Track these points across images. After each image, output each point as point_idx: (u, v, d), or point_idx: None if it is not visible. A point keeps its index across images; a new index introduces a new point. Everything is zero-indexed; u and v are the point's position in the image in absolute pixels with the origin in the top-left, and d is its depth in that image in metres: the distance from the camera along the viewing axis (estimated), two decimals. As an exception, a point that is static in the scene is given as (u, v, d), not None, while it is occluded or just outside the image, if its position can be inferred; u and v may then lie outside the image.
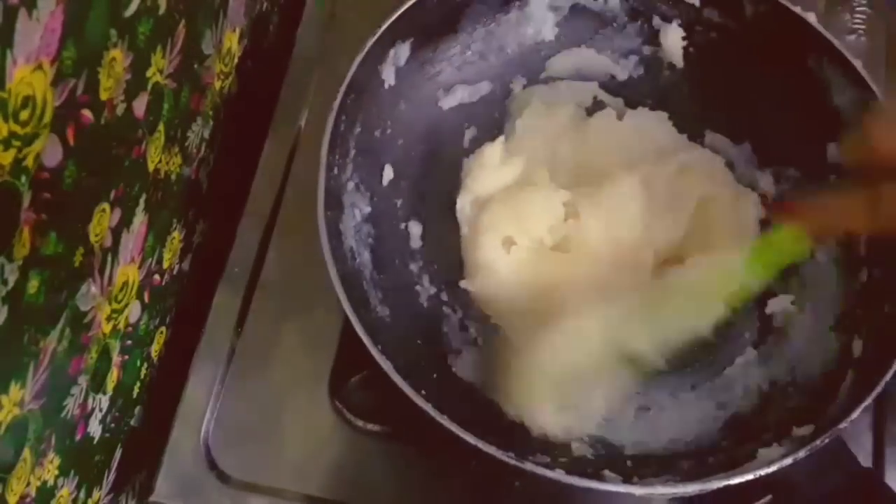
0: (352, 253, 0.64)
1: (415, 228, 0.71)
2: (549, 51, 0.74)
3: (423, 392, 0.56)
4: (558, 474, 0.55)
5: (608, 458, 0.61)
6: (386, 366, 0.56)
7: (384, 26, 0.65)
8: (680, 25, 0.71)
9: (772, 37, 0.67)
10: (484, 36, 0.72)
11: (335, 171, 0.63)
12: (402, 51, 0.68)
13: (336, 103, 0.62)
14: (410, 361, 0.61)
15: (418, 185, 0.71)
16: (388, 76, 0.68)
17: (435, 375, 0.64)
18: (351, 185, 0.66)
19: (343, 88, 0.63)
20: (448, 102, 0.73)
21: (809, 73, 0.65)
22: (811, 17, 0.65)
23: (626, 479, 0.57)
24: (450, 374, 0.65)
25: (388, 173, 0.70)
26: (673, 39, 0.72)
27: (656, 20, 0.72)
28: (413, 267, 0.70)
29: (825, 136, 0.66)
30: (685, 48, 0.72)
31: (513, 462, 0.54)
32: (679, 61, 0.73)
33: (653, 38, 0.73)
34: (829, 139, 0.66)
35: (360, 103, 0.65)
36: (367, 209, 0.68)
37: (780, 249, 0.57)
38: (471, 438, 0.55)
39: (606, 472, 0.58)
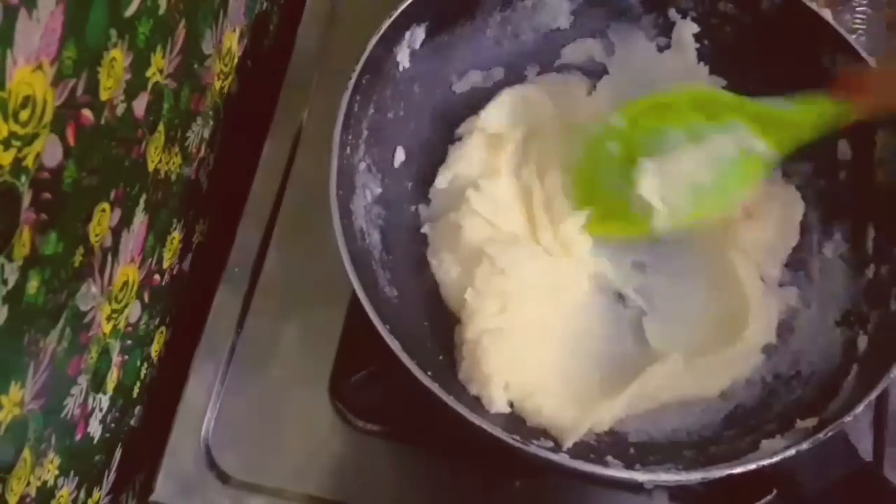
0: (362, 233, 0.64)
1: (425, 211, 0.71)
2: (563, 39, 0.74)
3: (429, 373, 0.56)
4: (562, 458, 0.56)
5: (612, 445, 0.62)
6: (394, 345, 0.56)
7: (400, 8, 0.65)
8: (695, 19, 0.71)
9: (786, 32, 0.67)
10: (499, 22, 0.72)
11: (347, 151, 0.63)
12: (418, 34, 0.68)
13: (351, 83, 0.62)
14: (417, 342, 0.61)
15: (430, 168, 0.71)
16: (403, 59, 0.68)
17: (441, 357, 0.64)
18: (363, 165, 0.66)
19: (358, 69, 0.63)
20: (461, 87, 0.73)
21: (822, 69, 0.65)
22: (826, 14, 0.65)
23: (629, 466, 0.57)
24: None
25: (400, 155, 0.70)
26: (687, 32, 0.72)
27: (672, 12, 0.72)
28: (422, 249, 0.69)
29: (837, 132, 0.66)
30: (699, 41, 0.72)
31: (517, 445, 0.54)
32: (692, 54, 0.73)
33: (667, 30, 0.73)
34: (841, 135, 0.66)
35: (374, 85, 0.65)
36: (379, 190, 0.68)
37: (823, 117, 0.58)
38: (476, 419, 0.55)
39: (609, 459, 0.58)
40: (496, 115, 0.71)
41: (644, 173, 0.62)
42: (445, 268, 0.67)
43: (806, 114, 0.60)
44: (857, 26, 0.78)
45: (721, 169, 0.62)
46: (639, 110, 0.66)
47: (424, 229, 0.69)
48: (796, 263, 0.68)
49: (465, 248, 0.66)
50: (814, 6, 0.66)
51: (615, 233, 0.66)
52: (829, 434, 0.55)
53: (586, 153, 0.67)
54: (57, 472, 0.55)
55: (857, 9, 0.79)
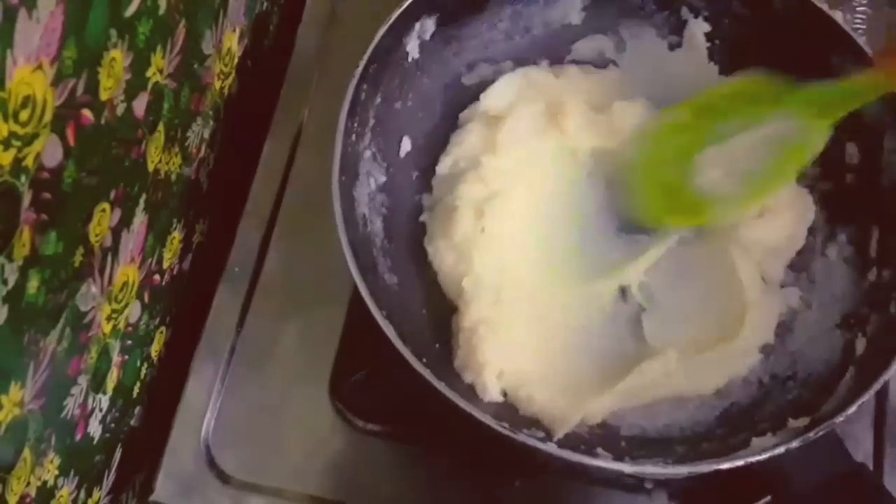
0: (364, 220, 0.65)
1: (428, 200, 0.71)
2: (574, 35, 0.74)
3: (423, 360, 0.56)
4: (550, 447, 0.56)
5: (603, 438, 0.62)
6: (388, 331, 0.56)
7: None
8: (707, 18, 0.71)
9: (797, 32, 0.67)
10: (511, 16, 0.72)
11: (353, 138, 0.63)
12: (428, 25, 0.68)
13: (358, 71, 0.63)
14: (414, 330, 0.61)
15: (436, 158, 0.71)
16: (413, 49, 0.68)
17: (437, 346, 0.64)
18: (368, 153, 0.66)
19: (366, 57, 0.63)
20: (471, 79, 0.73)
21: (832, 71, 0.65)
22: (837, 16, 0.65)
23: (618, 458, 0.57)
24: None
25: (406, 145, 0.70)
26: (699, 31, 0.72)
27: (684, 11, 0.72)
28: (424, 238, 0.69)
29: (844, 135, 0.66)
30: (711, 40, 0.72)
31: (506, 432, 0.54)
32: (704, 53, 0.73)
33: (679, 28, 0.73)
34: (849, 138, 0.66)
35: (382, 74, 0.65)
36: (383, 179, 0.68)
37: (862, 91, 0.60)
38: (466, 406, 0.55)
39: (599, 450, 0.58)
40: (497, 97, 0.71)
41: (702, 165, 0.64)
42: (441, 255, 0.67)
43: (849, 89, 0.61)
44: (857, 26, 0.78)
45: (774, 152, 0.63)
46: (692, 108, 0.68)
47: (423, 217, 0.69)
48: (799, 264, 0.68)
49: (459, 233, 0.66)
50: (824, 7, 0.66)
51: (677, 224, 0.68)
52: (820, 434, 0.55)
53: (644, 151, 0.68)
54: (57, 472, 0.55)
55: (858, 9, 0.78)
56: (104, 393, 0.60)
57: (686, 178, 0.66)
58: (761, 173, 0.64)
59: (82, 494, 0.60)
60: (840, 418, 0.55)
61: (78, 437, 0.57)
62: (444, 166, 0.71)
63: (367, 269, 0.59)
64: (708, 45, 0.72)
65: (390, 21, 0.64)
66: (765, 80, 0.66)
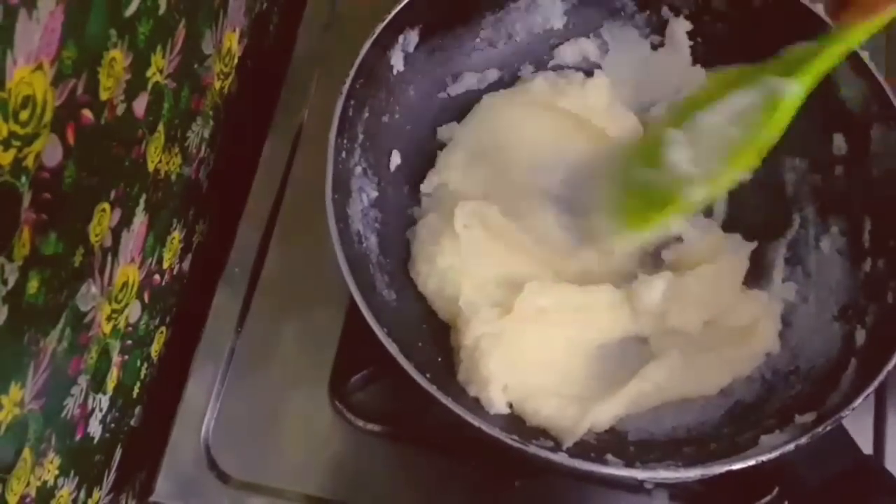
0: (359, 237, 0.65)
1: (419, 214, 0.70)
2: (557, 39, 0.75)
3: (427, 375, 0.56)
4: (561, 457, 0.56)
5: (612, 444, 0.62)
6: (391, 348, 0.56)
7: (393, 12, 0.65)
8: (688, 16, 0.72)
9: (779, 27, 0.67)
10: (493, 23, 0.73)
11: (343, 155, 0.63)
12: (411, 37, 0.68)
13: (345, 87, 0.63)
14: (416, 344, 0.61)
15: (425, 171, 0.71)
16: (397, 62, 0.68)
17: (440, 359, 0.64)
18: (359, 169, 0.66)
19: (352, 73, 0.63)
20: (456, 89, 0.73)
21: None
22: (818, 8, 0.65)
23: (628, 464, 0.57)
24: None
25: (396, 159, 0.70)
26: (680, 29, 0.72)
27: (665, 10, 0.72)
28: None
29: (831, 127, 0.66)
30: (693, 38, 0.72)
31: (517, 445, 0.54)
32: (686, 52, 0.73)
33: (661, 27, 0.73)
34: (836, 130, 0.66)
35: (368, 88, 0.65)
36: (375, 194, 0.68)
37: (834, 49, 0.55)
38: (475, 420, 0.55)
39: (609, 457, 0.58)
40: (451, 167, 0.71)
41: (672, 143, 0.59)
42: (422, 280, 0.67)
43: (819, 47, 0.57)
44: (856, 26, 0.78)
45: (747, 119, 0.58)
46: (678, 112, 0.63)
47: (408, 234, 0.69)
48: (794, 259, 0.69)
49: (444, 258, 0.66)
50: (805, 0, 0.66)
51: (656, 222, 0.62)
52: (828, 428, 0.55)
53: (621, 172, 0.65)
54: (57, 472, 0.55)
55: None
56: (104, 393, 0.60)
57: (654, 177, 0.61)
58: (736, 145, 0.58)
59: (82, 494, 0.60)
60: (847, 412, 0.55)
61: (78, 437, 0.57)
62: (429, 184, 0.70)
63: (365, 287, 0.59)
64: (690, 43, 0.72)
65: (374, 36, 0.64)
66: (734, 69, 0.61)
